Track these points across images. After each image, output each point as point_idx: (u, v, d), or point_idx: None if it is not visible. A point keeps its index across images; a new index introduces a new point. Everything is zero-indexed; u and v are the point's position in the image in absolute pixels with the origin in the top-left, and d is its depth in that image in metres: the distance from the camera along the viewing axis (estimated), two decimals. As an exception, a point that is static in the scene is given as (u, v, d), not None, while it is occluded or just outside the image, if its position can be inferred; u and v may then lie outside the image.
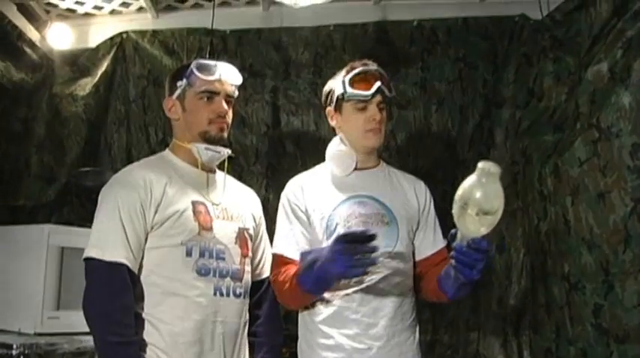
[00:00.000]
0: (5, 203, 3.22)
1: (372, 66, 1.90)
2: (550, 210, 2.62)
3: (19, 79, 3.31)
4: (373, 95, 1.85)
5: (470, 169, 3.02)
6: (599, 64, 2.41)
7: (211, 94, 1.83)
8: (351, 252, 1.54)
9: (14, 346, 2.18)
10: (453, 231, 1.55)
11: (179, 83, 1.85)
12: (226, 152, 1.87)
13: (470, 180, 1.47)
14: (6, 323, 2.48)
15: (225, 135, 1.87)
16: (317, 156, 2.05)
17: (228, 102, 1.86)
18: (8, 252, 2.59)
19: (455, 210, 1.48)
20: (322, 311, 1.81)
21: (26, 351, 2.19)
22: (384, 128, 1.91)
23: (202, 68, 1.83)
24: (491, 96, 3.15)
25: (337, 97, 1.90)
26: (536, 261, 2.78)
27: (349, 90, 1.85)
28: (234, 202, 1.90)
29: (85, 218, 3.01)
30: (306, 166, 2.05)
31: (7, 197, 3.25)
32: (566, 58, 2.78)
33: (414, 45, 3.26)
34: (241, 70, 1.91)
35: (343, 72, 1.90)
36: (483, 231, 1.47)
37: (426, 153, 3.19)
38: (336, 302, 1.79)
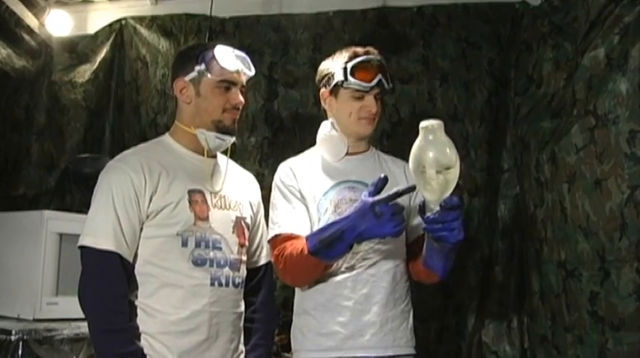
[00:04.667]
0: (6, 192, 3.23)
1: (375, 55, 1.88)
2: (547, 197, 2.61)
3: (20, 67, 3.33)
4: (372, 87, 1.84)
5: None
6: (596, 50, 2.40)
7: (230, 85, 1.78)
8: (397, 211, 1.53)
9: (13, 332, 2.19)
10: (419, 201, 1.52)
11: (197, 67, 1.77)
12: (230, 140, 1.83)
13: (418, 143, 1.44)
14: (5, 309, 2.50)
15: (236, 126, 1.84)
16: (315, 130, 1.99)
17: (241, 92, 1.83)
18: (7, 238, 2.60)
19: (416, 179, 1.46)
20: (314, 298, 1.81)
21: (25, 337, 2.20)
22: (377, 118, 1.90)
23: (224, 57, 1.76)
24: (497, 75, 3.11)
25: (336, 83, 1.87)
26: (531, 247, 2.78)
27: (350, 78, 1.83)
28: (233, 190, 1.87)
29: (84, 204, 3.03)
30: (303, 141, 2.00)
31: (8, 186, 3.26)
32: (564, 44, 2.75)
33: (415, 28, 3.22)
34: (239, 48, 1.85)
35: (345, 56, 1.87)
36: (450, 187, 1.44)
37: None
38: (327, 289, 1.79)
